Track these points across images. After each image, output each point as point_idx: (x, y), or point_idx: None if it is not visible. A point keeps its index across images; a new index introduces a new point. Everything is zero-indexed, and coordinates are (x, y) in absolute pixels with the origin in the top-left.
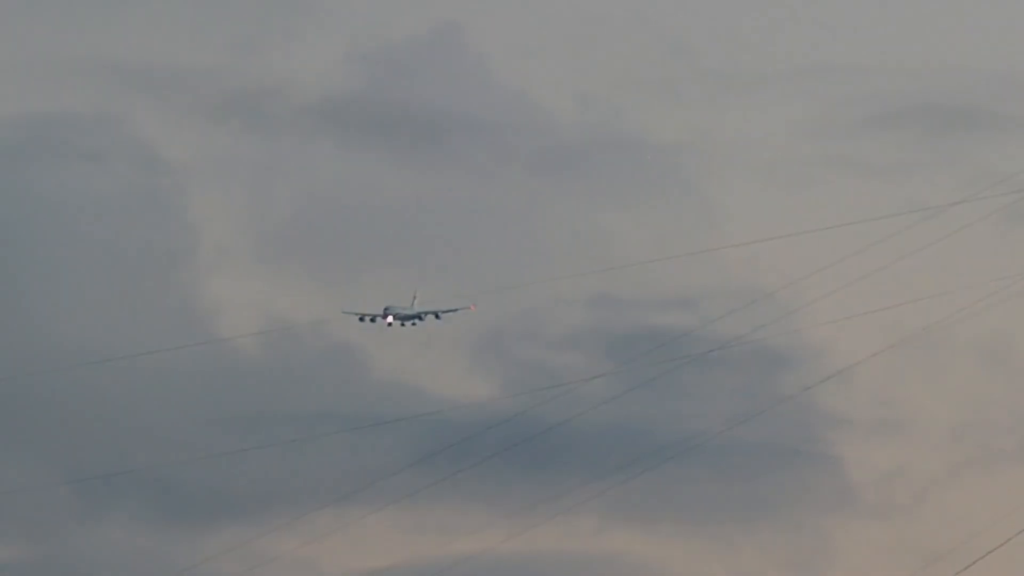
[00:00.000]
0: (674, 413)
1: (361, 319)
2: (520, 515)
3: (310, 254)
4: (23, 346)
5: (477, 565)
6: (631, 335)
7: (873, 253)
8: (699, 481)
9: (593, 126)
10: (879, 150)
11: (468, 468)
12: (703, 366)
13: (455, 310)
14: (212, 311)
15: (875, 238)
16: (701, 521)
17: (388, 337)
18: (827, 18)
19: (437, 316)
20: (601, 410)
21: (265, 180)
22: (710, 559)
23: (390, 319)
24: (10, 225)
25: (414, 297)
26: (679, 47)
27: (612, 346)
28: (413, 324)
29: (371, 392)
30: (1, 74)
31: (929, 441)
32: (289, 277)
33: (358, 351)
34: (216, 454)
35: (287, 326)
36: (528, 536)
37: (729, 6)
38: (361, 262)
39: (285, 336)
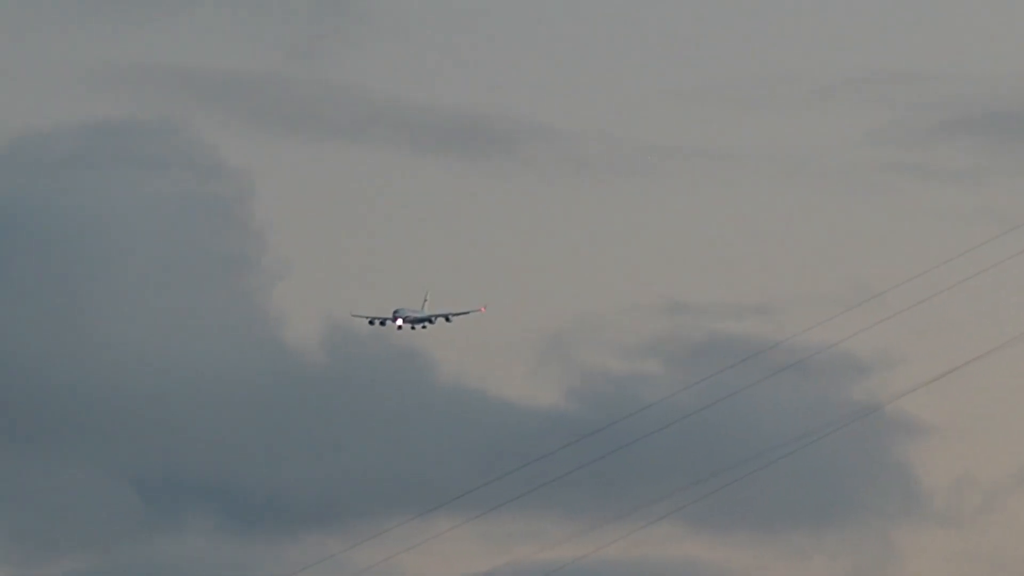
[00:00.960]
0: (745, 420)
1: (371, 322)
2: (593, 524)
3: (375, 261)
4: (91, 354)
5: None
6: (704, 342)
7: (951, 260)
8: (772, 489)
9: (666, 134)
10: (952, 157)
11: (545, 477)
12: (777, 372)
13: (466, 312)
14: (276, 318)
15: (953, 246)
16: (773, 529)
17: (452, 342)
18: (900, 26)
19: (448, 319)
20: (673, 417)
21: (329, 187)
22: (783, 567)
23: (400, 322)
24: (74, 232)
25: (425, 300)
26: (751, 56)
27: (686, 353)
28: (424, 327)
29: (437, 398)
30: (64, 82)
31: (999, 450)
32: (353, 283)
33: (421, 356)
34: (287, 462)
35: (350, 333)
36: (602, 545)
37: (802, 14)
38: (428, 268)
39: (348, 342)
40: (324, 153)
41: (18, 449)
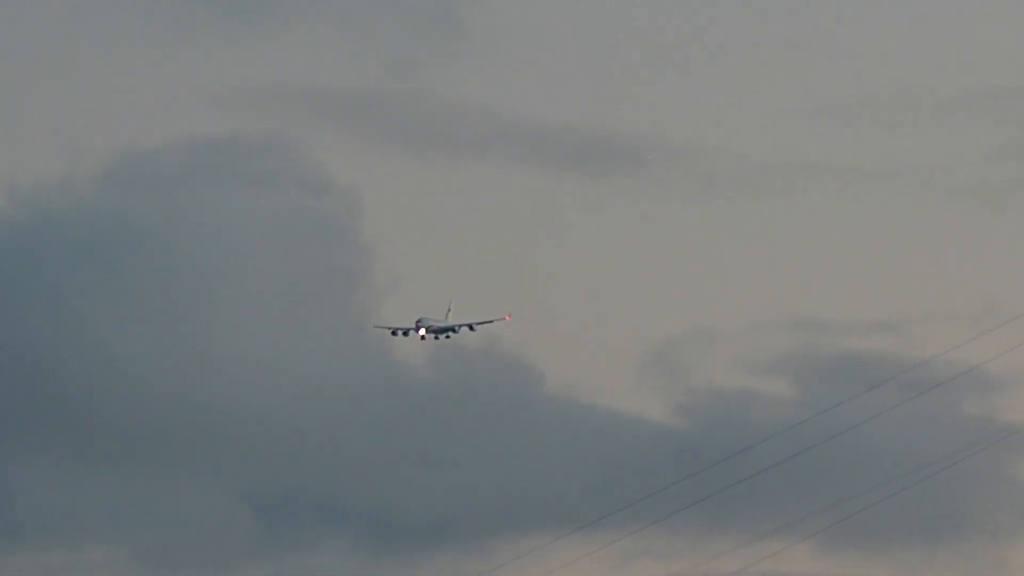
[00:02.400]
0: (871, 438)
1: (393, 333)
2: (718, 542)
3: (488, 275)
4: (202, 371)
5: None
6: (832, 359)
7: None
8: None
9: (793, 151)
10: None
11: (675, 499)
12: (905, 390)
13: (490, 321)
14: (385, 333)
15: None
16: (888, 545)
17: (566, 354)
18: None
19: (472, 328)
20: (798, 436)
21: (438, 203)
22: None
23: (423, 332)
24: (184, 250)
25: (448, 310)
26: (878, 72)
27: (813, 370)
28: (447, 337)
29: (558, 414)
30: (173, 100)
31: None
32: (463, 298)
33: (532, 367)
34: (402, 479)
35: (460, 346)
36: (725, 562)
37: (930, 31)
38: (545, 284)
39: (458, 355)
40: (436, 169)
41: (139, 470)
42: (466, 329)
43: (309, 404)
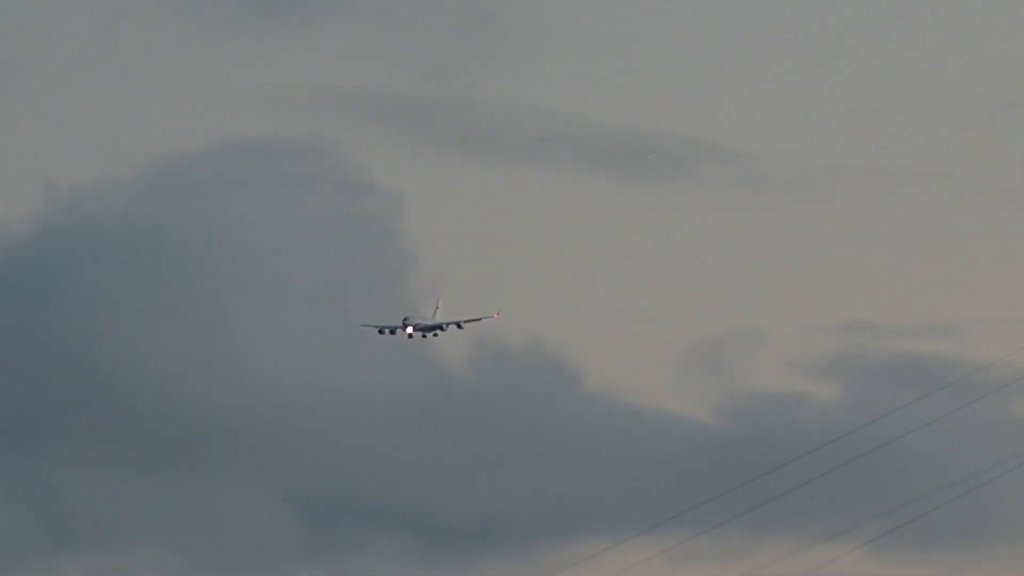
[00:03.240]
0: (924, 442)
1: (380, 331)
2: (768, 548)
3: (528, 279)
4: (244, 373)
5: None
6: (883, 362)
7: None
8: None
9: (842, 154)
10: None
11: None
12: (956, 393)
13: (478, 319)
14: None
15: None
16: (939, 551)
17: (615, 356)
18: None
19: (459, 326)
20: (851, 441)
21: (480, 205)
22: None
23: (410, 330)
24: (225, 252)
25: (436, 307)
26: (929, 75)
27: (866, 373)
28: (435, 335)
29: (611, 416)
30: (212, 103)
31: None
32: (504, 301)
33: (578, 368)
34: (448, 482)
35: (501, 349)
36: (778, 568)
37: (981, 34)
38: (592, 288)
39: (501, 358)
40: (477, 171)
41: (186, 474)
42: (454, 327)
43: (353, 406)
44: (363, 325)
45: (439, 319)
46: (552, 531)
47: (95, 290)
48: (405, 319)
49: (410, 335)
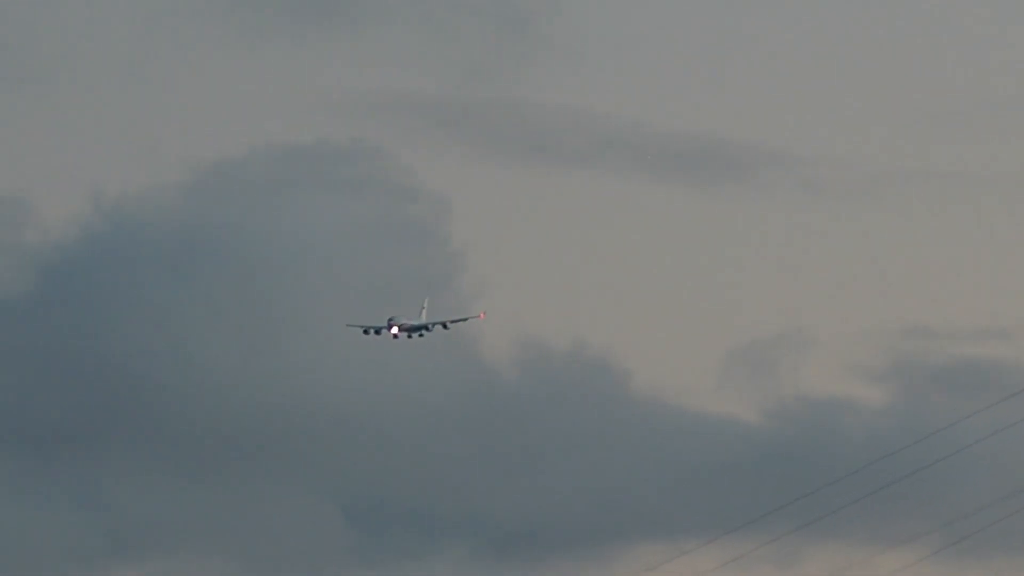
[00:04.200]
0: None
1: (365, 331)
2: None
3: (576, 283)
4: (292, 378)
5: None
6: (943, 367)
7: None
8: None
9: (900, 158)
10: None
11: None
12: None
13: (464, 319)
14: (473, 336)
15: None
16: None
17: (672, 361)
18: None
19: (445, 326)
20: (913, 446)
21: (529, 208)
22: None
23: (395, 330)
24: (273, 257)
25: (422, 308)
26: (983, 79)
27: (923, 378)
28: (420, 335)
29: (655, 417)
30: (257, 108)
31: None
32: (551, 304)
33: (627, 372)
34: (506, 486)
35: (546, 352)
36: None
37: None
38: (641, 293)
39: (547, 361)
40: (525, 175)
41: (241, 481)
42: (440, 327)
43: (402, 410)
44: (348, 325)
45: (425, 319)
46: (603, 537)
47: (143, 297)
48: (390, 319)
49: (395, 335)
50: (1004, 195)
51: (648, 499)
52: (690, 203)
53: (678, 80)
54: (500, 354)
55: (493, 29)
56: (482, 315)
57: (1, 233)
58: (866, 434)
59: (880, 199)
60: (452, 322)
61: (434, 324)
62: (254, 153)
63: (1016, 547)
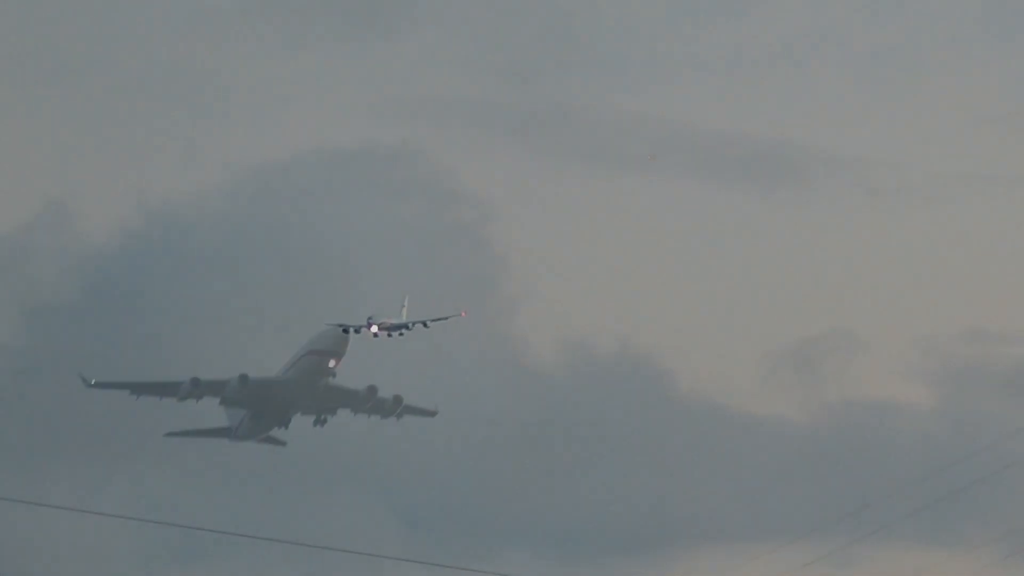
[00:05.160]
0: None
1: (345, 331)
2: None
3: (617, 285)
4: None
5: None
6: (1004, 371)
7: None
8: None
9: (958, 161)
10: None
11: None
12: None
13: (445, 318)
14: (519, 340)
15: None
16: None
17: (731, 366)
18: None
19: (425, 325)
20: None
21: (575, 211)
22: None
23: (375, 329)
24: (318, 259)
25: (403, 306)
26: None
27: (987, 380)
28: (400, 334)
29: (715, 422)
30: (303, 112)
31: None
32: (595, 308)
33: (680, 374)
34: (564, 491)
35: (591, 354)
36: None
37: None
38: (698, 294)
39: (592, 363)
40: (577, 178)
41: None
42: (420, 326)
43: (454, 412)
44: (328, 324)
45: (405, 318)
46: (674, 539)
47: (191, 298)
48: (369, 318)
49: (375, 334)
50: None
51: (706, 503)
52: (745, 205)
53: (730, 83)
54: (546, 358)
55: (541, 33)
56: (463, 313)
57: (48, 237)
58: (927, 437)
59: (938, 202)
60: (432, 321)
61: (414, 323)
62: (303, 156)
63: None
